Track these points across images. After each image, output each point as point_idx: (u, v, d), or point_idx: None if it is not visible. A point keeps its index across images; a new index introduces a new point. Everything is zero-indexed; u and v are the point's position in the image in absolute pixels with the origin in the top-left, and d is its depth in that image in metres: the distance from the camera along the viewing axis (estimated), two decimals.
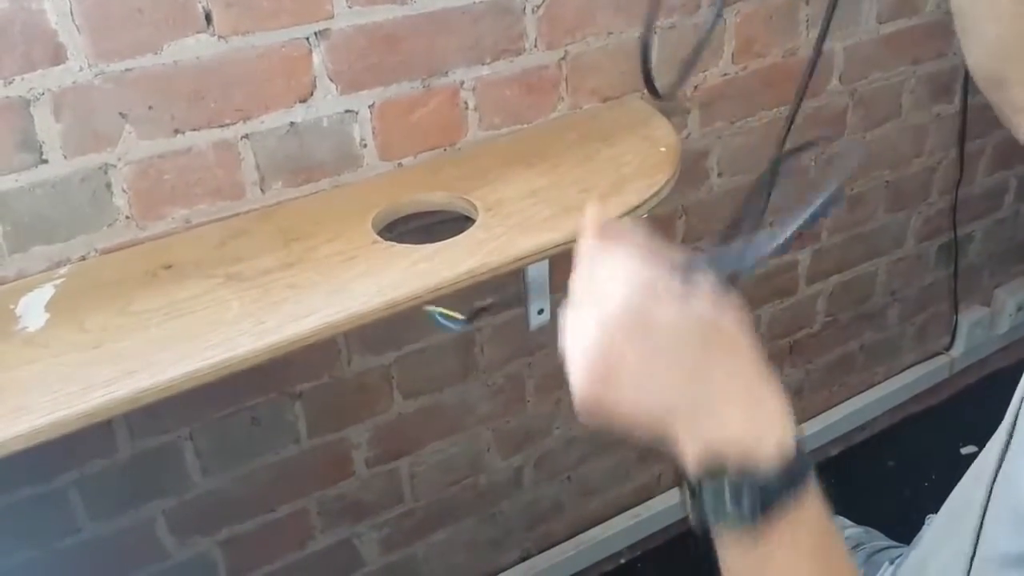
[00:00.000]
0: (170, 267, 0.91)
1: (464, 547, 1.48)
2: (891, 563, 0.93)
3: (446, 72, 1.07)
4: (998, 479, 0.57)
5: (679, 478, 0.52)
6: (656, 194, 0.99)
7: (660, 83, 1.23)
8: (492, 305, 1.14)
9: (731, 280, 0.52)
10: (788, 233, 0.50)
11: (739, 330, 0.51)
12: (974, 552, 0.57)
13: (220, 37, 0.92)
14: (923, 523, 0.86)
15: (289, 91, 0.98)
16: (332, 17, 0.97)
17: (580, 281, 0.52)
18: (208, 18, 0.90)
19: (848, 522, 1.07)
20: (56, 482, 1.04)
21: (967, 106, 1.64)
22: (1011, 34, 0.48)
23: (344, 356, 1.18)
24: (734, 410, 0.49)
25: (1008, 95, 0.64)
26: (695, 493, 0.50)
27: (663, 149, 1.07)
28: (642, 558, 1.65)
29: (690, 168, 1.36)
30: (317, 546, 1.31)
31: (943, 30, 1.53)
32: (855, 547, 0.99)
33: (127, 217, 0.95)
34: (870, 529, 1.05)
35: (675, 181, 1.03)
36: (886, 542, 1.00)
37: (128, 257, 0.94)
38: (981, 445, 0.74)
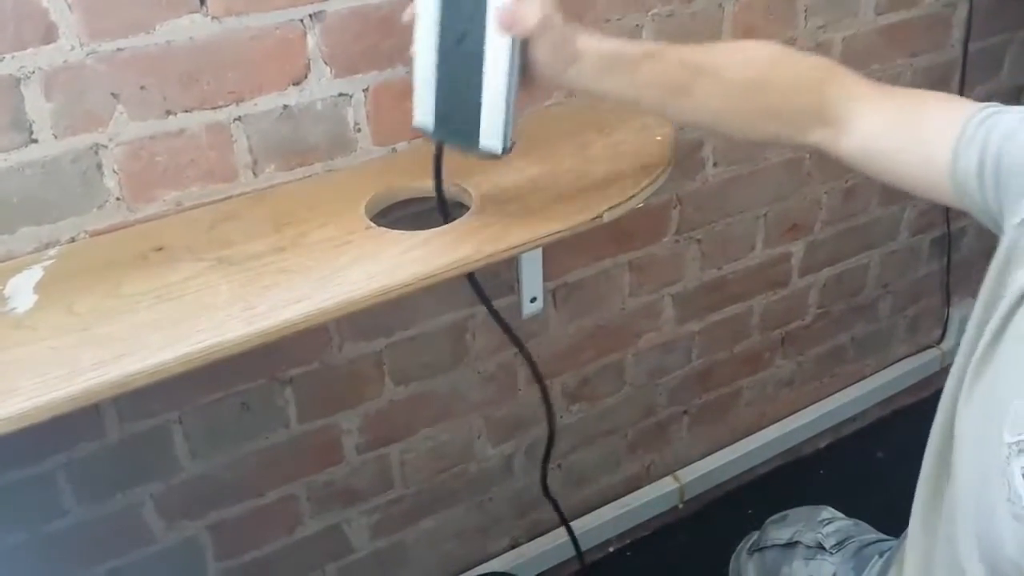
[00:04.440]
0: (161, 250, 0.90)
1: (454, 534, 1.48)
2: (880, 556, 0.94)
3: None
4: None
5: None
6: (651, 183, 0.98)
7: None
8: None
9: None
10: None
11: None
12: None
13: (214, 17, 0.91)
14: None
15: (283, 73, 0.97)
16: None
17: None
18: None
19: (838, 514, 1.07)
20: (44, 465, 1.04)
21: None
22: None
23: (335, 342, 1.18)
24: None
25: None
26: None
27: (658, 138, 1.07)
28: (630, 547, 1.66)
29: (685, 158, 1.35)
30: (306, 531, 1.30)
31: (941, 22, 1.53)
32: (844, 540, 0.99)
33: (118, 199, 0.94)
34: (859, 522, 1.05)
35: (670, 171, 1.03)
36: (875, 535, 1.00)
37: (118, 239, 0.93)
38: None
